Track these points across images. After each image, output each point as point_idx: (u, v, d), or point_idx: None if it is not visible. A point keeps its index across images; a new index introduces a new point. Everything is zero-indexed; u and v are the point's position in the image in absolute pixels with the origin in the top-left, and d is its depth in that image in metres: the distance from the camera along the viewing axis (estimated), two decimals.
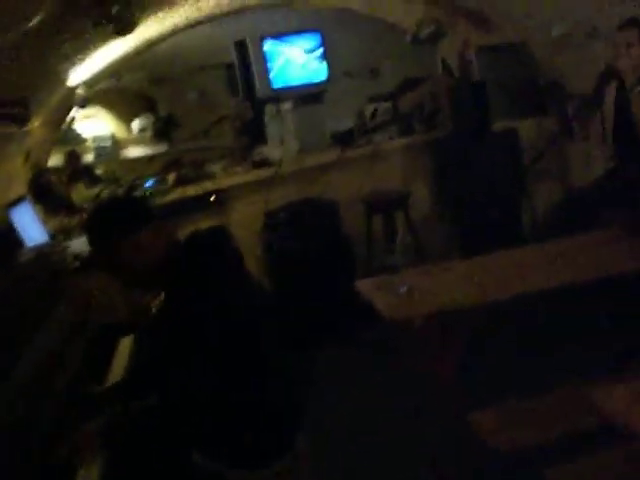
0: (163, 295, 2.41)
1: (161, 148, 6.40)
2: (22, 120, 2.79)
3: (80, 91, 4.55)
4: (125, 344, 3.15)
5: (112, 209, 2.52)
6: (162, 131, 6.48)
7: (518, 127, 5.91)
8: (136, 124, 6.54)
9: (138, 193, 5.12)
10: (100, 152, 6.29)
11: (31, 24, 2.40)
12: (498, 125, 5.82)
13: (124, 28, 2.48)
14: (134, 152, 6.55)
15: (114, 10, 2.33)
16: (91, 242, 2.41)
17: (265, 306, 2.62)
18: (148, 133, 6.54)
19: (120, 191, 5.18)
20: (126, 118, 6.58)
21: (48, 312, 2.90)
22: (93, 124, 6.35)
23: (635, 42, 3.64)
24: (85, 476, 2.10)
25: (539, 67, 6.06)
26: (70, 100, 4.59)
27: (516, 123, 5.90)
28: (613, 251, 3.17)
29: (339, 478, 3.09)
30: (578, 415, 2.12)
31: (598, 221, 3.91)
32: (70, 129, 5.89)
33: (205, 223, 3.86)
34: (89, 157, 6.24)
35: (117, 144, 6.49)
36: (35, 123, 3.84)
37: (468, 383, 2.93)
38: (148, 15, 3.52)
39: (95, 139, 6.33)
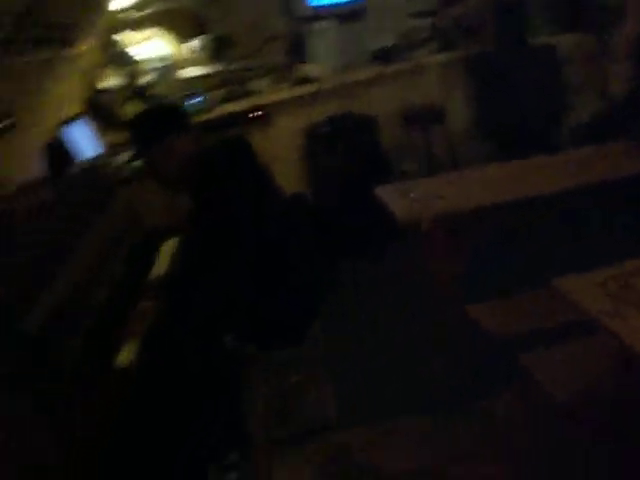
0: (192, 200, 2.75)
1: (216, 67, 6.62)
2: (69, 42, 3.11)
3: (129, 14, 4.81)
4: (167, 247, 3.50)
5: (149, 114, 2.88)
6: (217, 50, 6.66)
7: (557, 43, 5.93)
8: (192, 44, 6.77)
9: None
10: (157, 72, 6.56)
11: None
12: (537, 41, 5.89)
13: None
14: (190, 72, 6.79)
15: None
16: (133, 143, 2.78)
17: (286, 212, 2.95)
18: (204, 53, 6.77)
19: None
20: (182, 39, 6.81)
21: (99, 216, 3.27)
22: (150, 45, 6.62)
23: None
24: (128, 349, 2.47)
25: None
26: (119, 23, 4.87)
27: (555, 39, 5.92)
28: (627, 159, 3.34)
29: (346, 365, 3.44)
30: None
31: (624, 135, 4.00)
32: (127, 51, 6.17)
33: (250, 137, 4.19)
34: (147, 77, 6.54)
35: (174, 64, 6.74)
36: (86, 46, 4.16)
37: (473, 284, 3.22)
38: None
39: (152, 60, 6.60)
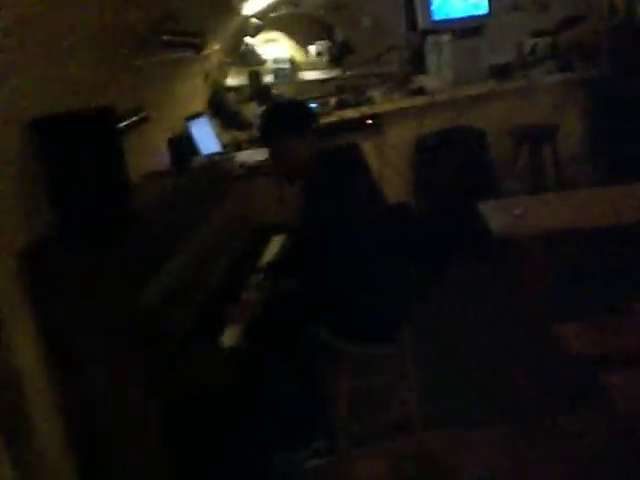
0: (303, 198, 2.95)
1: (335, 72, 6.80)
2: (199, 47, 3.37)
3: (254, 20, 5.07)
4: (276, 241, 3.73)
5: (284, 109, 3.13)
6: (337, 56, 6.81)
7: None
8: (313, 48, 6.97)
9: None
10: (278, 74, 6.80)
11: None
12: None
13: None
14: (310, 75, 7.01)
15: None
16: (262, 134, 3.03)
17: (382, 215, 3.12)
18: (324, 57, 6.95)
19: None
20: (304, 43, 7.04)
21: (215, 208, 3.52)
22: (273, 48, 6.89)
23: None
24: (229, 333, 2.69)
25: None
26: (244, 28, 5.15)
27: None
28: None
29: (432, 368, 3.58)
30: None
31: None
32: (251, 52, 6.44)
33: (361, 144, 4.39)
34: (268, 78, 6.83)
35: (295, 67, 6.99)
36: (212, 48, 4.44)
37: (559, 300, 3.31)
38: None
39: (275, 61, 6.85)
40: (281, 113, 3.11)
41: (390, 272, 2.99)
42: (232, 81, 5.99)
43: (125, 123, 2.88)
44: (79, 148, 2.34)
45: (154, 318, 2.45)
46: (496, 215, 3.37)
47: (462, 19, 6.02)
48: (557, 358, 2.96)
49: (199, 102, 4.75)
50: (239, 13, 4.47)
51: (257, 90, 5.91)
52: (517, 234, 3.15)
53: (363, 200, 2.96)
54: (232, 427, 2.75)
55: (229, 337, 2.67)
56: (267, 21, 5.84)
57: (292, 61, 6.90)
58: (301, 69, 7.03)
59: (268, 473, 3.06)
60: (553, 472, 2.92)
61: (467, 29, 5.98)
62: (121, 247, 2.40)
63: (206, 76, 4.77)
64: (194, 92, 4.64)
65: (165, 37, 3.01)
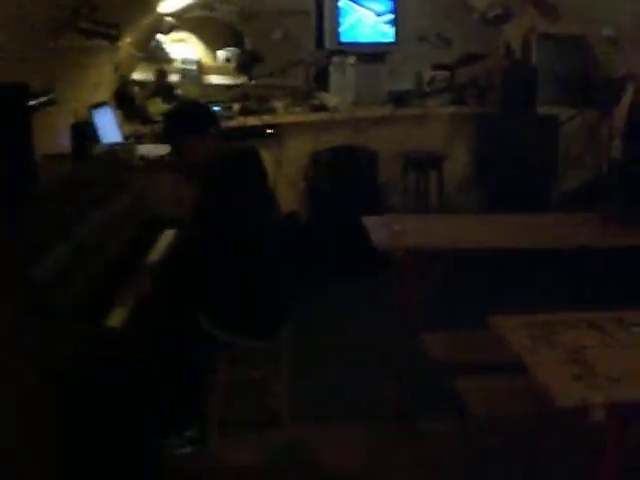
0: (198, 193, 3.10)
1: (241, 79, 6.93)
2: (114, 39, 3.49)
3: (168, 19, 5.20)
4: (168, 234, 3.85)
5: (184, 111, 3.28)
6: (245, 64, 6.98)
7: (560, 114, 6.33)
8: (222, 54, 7.11)
9: None
10: (185, 74, 6.89)
11: None
12: (542, 109, 6.30)
13: None
14: (216, 79, 7.14)
15: None
16: (166, 132, 3.17)
17: (275, 221, 3.31)
18: (232, 64, 7.10)
19: None
20: (214, 47, 7.17)
21: (112, 195, 3.62)
22: (183, 48, 6.98)
23: None
24: (116, 315, 2.81)
25: (595, 61, 6.42)
26: (158, 25, 5.27)
27: (560, 110, 6.31)
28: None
29: (305, 366, 3.80)
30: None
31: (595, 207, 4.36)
32: (161, 49, 6.52)
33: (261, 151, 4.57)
34: (174, 77, 6.90)
35: (202, 69, 7.10)
36: (126, 41, 4.54)
37: (431, 313, 3.60)
38: None
39: (182, 61, 6.94)
40: (184, 114, 3.28)
41: (272, 274, 3.18)
42: (139, 75, 6.06)
43: (33, 102, 2.96)
44: None
45: (46, 291, 2.54)
46: (377, 230, 3.62)
47: (368, 44, 6.33)
48: (421, 364, 3.24)
49: (105, 92, 4.83)
50: (155, 10, 4.59)
51: (161, 87, 6.00)
52: (394, 248, 3.40)
53: (258, 203, 3.14)
54: (113, 408, 2.86)
55: (115, 318, 2.78)
56: (180, 21, 5.95)
57: (200, 63, 7.02)
58: (208, 72, 7.16)
59: (140, 456, 3.16)
60: (413, 470, 3.17)
61: (371, 54, 6.29)
62: (16, 221, 2.49)
63: (115, 67, 4.87)
64: (102, 81, 4.72)
65: (82, 24, 3.12)
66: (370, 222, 3.76)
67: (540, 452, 2.80)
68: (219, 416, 3.26)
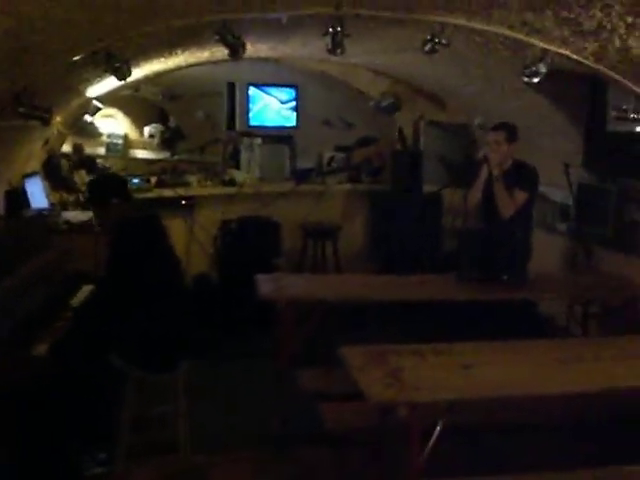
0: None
1: (164, 154, 7.58)
2: (45, 120, 4.16)
3: (95, 102, 5.90)
4: (85, 288, 4.45)
5: (101, 181, 3.98)
6: (169, 140, 7.67)
7: (444, 193, 7.19)
8: (147, 130, 7.78)
9: None
10: (111, 147, 7.54)
11: (74, 59, 3.78)
12: (428, 188, 7.16)
13: (123, 77, 3.90)
14: (141, 154, 7.79)
15: (116, 64, 3.75)
16: (87, 198, 3.84)
17: (175, 277, 3.97)
18: (156, 139, 7.76)
19: None
20: (139, 123, 7.85)
21: (38, 253, 4.24)
22: (110, 123, 7.63)
23: (502, 141, 4.87)
24: (39, 347, 3.41)
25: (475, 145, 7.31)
26: (85, 107, 5.96)
27: (443, 189, 7.16)
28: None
29: (201, 400, 4.38)
30: None
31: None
32: (89, 125, 7.14)
33: (174, 220, 5.24)
34: (101, 150, 7.52)
35: (127, 144, 7.74)
36: (56, 119, 5.21)
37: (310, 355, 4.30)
38: (150, 59, 4.91)
39: (109, 135, 7.58)
40: (101, 183, 3.99)
41: (171, 318, 3.82)
42: (67, 148, 6.69)
43: None
44: None
45: None
46: (266, 284, 4.33)
47: (273, 127, 7.16)
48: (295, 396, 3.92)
49: (36, 163, 5.47)
50: (83, 94, 5.28)
51: (85, 160, 6.60)
52: (277, 299, 4.12)
53: (158, 257, 3.81)
54: (35, 425, 3.42)
55: (39, 349, 3.38)
56: (108, 98, 6.59)
57: (126, 138, 7.67)
58: (134, 147, 7.82)
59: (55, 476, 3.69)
60: None
61: (276, 136, 7.11)
62: None
63: (45, 142, 5.51)
64: (33, 154, 5.37)
65: (21, 109, 3.77)
66: (261, 278, 4.47)
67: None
68: (126, 442, 3.76)
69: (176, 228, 6.12)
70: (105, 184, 3.97)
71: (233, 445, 4.21)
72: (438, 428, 2.88)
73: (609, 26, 3.29)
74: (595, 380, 2.96)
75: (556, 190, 5.82)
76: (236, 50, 3.98)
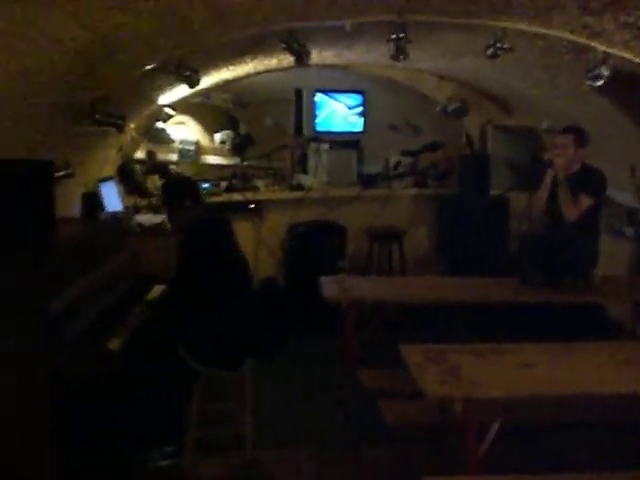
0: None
1: (234, 160, 7.67)
2: (121, 128, 4.37)
3: (166, 109, 6.11)
4: (157, 288, 4.63)
5: (175, 184, 4.14)
6: (239, 146, 7.80)
7: (511, 197, 7.19)
8: (218, 136, 7.96)
9: None
10: (184, 153, 7.72)
11: (146, 68, 3.98)
12: (495, 192, 7.16)
13: (193, 85, 4.08)
14: (212, 159, 7.98)
15: (186, 73, 3.92)
16: (161, 200, 4.02)
17: (244, 279, 4.10)
18: (227, 146, 7.94)
19: None
20: (211, 130, 8.04)
21: (113, 254, 4.44)
22: (182, 130, 7.84)
23: (569, 144, 4.87)
24: (114, 342, 3.58)
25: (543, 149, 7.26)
26: (157, 114, 6.19)
27: (511, 194, 7.16)
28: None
29: (267, 398, 4.55)
30: None
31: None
32: (162, 131, 7.37)
33: (242, 223, 5.37)
34: (174, 156, 7.75)
35: (199, 150, 7.95)
36: (130, 126, 5.44)
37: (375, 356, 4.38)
38: (220, 68, 5.09)
39: (182, 142, 7.79)
40: (171, 188, 4.15)
41: (241, 318, 3.95)
42: (141, 155, 6.94)
43: (57, 175, 3.81)
44: (24, 188, 3.25)
45: (56, 324, 3.33)
46: (330, 286, 4.43)
47: (340, 133, 7.28)
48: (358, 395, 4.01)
49: (111, 168, 5.71)
50: (156, 102, 5.50)
51: (157, 166, 6.83)
52: (341, 300, 4.21)
53: (227, 258, 3.95)
54: (106, 418, 3.60)
55: (114, 344, 3.56)
56: (180, 105, 6.82)
57: (198, 144, 7.87)
58: (205, 153, 8.01)
59: (125, 469, 3.86)
60: None
61: (343, 141, 7.21)
62: (36, 270, 3.27)
63: (120, 148, 5.75)
64: (108, 159, 5.61)
65: (97, 115, 3.98)
66: (325, 280, 4.57)
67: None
68: (193, 437, 3.91)
69: (245, 232, 6.30)
70: (178, 187, 4.14)
71: (297, 442, 4.32)
72: (495, 425, 2.92)
73: None
74: None
75: (623, 194, 5.76)
76: (301, 57, 4.11)
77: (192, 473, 3.99)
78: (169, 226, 4.21)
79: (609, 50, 3.85)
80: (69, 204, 4.59)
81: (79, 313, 3.58)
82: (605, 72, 3.95)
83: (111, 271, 4.26)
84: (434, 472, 2.93)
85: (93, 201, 4.88)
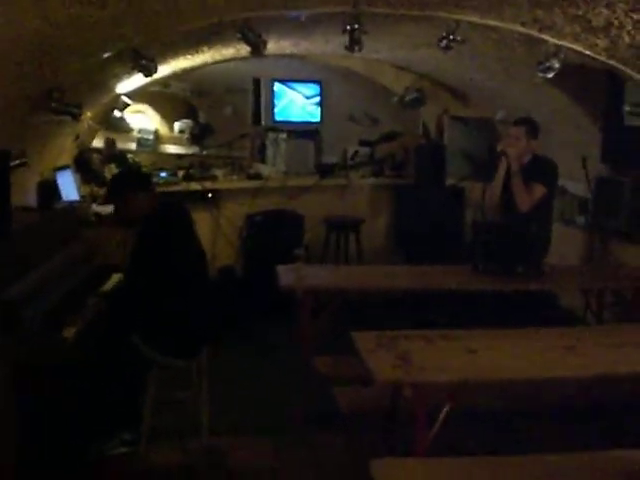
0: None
1: (193, 149, 7.71)
2: (77, 116, 4.36)
3: (124, 98, 6.09)
4: (115, 277, 4.64)
5: (125, 174, 4.14)
6: (198, 135, 7.81)
7: (466, 186, 7.28)
8: (177, 125, 7.96)
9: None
10: (142, 142, 7.71)
11: (103, 57, 3.97)
12: (450, 182, 7.26)
13: (149, 74, 4.09)
14: (171, 149, 7.98)
15: (142, 62, 3.93)
16: (110, 190, 3.99)
17: (201, 267, 4.12)
18: (186, 135, 7.94)
19: None
20: (170, 119, 8.03)
21: (69, 243, 4.44)
22: (141, 118, 7.82)
23: (521, 136, 4.94)
24: (69, 330, 3.60)
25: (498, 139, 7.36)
26: (115, 103, 6.17)
27: (466, 183, 7.25)
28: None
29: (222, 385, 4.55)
30: None
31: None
32: (120, 120, 7.34)
33: (200, 213, 5.37)
34: (133, 145, 7.71)
35: (158, 139, 7.93)
36: (87, 115, 5.42)
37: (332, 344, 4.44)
38: (177, 56, 5.09)
39: (140, 131, 7.77)
40: (124, 177, 4.16)
41: (195, 306, 3.97)
42: (99, 143, 6.90)
43: (12, 164, 3.80)
44: None
45: (14, 310, 3.33)
46: (286, 275, 4.48)
47: (298, 122, 7.32)
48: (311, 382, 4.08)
49: (67, 157, 5.68)
50: (113, 90, 5.48)
51: (115, 154, 6.81)
52: (297, 288, 4.26)
53: (183, 245, 3.97)
54: (61, 405, 3.62)
55: (69, 332, 3.57)
56: (139, 94, 6.77)
57: (157, 133, 7.86)
58: (164, 142, 8.00)
59: (83, 457, 3.88)
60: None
61: (301, 131, 7.26)
62: None
63: (76, 137, 5.72)
64: (64, 148, 5.58)
65: (53, 104, 3.97)
66: (281, 269, 4.62)
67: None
68: (149, 425, 3.92)
69: (203, 221, 6.32)
70: (129, 178, 4.14)
71: (253, 429, 4.37)
72: (445, 410, 3.00)
73: (617, 23, 3.39)
74: (592, 366, 3.08)
75: (575, 183, 5.90)
76: (257, 47, 4.14)
77: (149, 460, 4.01)
78: (116, 218, 4.19)
79: (560, 42, 3.94)
80: (25, 193, 4.57)
81: (35, 302, 3.58)
82: (556, 64, 4.05)
83: (67, 260, 4.26)
84: (385, 456, 3.00)
85: (49, 190, 4.86)
